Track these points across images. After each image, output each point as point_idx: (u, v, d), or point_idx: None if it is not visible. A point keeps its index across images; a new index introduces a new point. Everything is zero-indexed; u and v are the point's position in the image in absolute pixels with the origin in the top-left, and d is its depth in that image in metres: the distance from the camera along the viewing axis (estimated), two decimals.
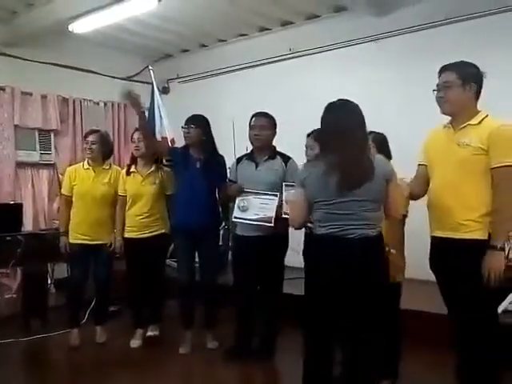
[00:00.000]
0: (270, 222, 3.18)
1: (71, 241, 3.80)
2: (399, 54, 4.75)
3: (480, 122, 2.29)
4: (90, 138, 3.83)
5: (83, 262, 3.81)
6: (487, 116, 2.32)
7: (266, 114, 3.43)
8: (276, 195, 3.19)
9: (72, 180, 3.85)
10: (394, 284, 2.67)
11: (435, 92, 2.42)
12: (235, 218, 3.35)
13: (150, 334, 3.83)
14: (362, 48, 4.98)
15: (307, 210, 2.35)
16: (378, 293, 2.28)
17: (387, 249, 2.55)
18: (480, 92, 2.36)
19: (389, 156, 2.96)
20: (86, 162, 3.89)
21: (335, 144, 2.28)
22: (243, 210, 3.30)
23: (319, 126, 3.12)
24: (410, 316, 3.09)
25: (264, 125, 3.37)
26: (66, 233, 3.82)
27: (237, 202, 3.33)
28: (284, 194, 3.17)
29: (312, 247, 2.38)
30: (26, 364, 3.74)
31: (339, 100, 2.42)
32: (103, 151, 3.86)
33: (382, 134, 3.03)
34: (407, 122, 4.49)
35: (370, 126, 3.01)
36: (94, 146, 3.81)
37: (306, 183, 2.32)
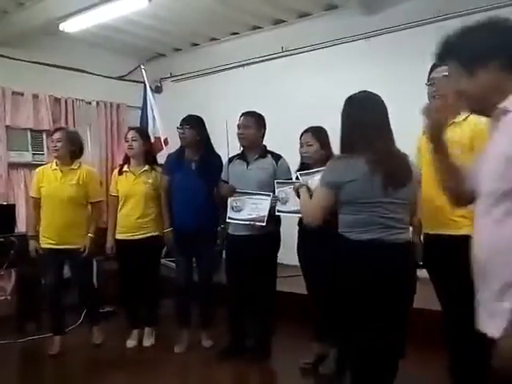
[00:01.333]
0: (263, 222, 3.19)
1: (41, 245, 3.63)
2: (389, 51, 4.76)
3: (465, 119, 2.31)
4: (56, 136, 3.65)
5: (55, 267, 3.64)
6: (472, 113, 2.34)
7: (251, 113, 3.41)
8: (269, 195, 3.20)
9: (40, 181, 3.66)
10: None
11: (427, 86, 2.44)
12: (229, 218, 3.35)
13: (146, 344, 3.78)
14: (353, 46, 4.99)
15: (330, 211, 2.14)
16: (412, 302, 2.18)
17: None
18: None
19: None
20: (54, 162, 3.71)
21: (373, 140, 2.07)
22: (236, 210, 3.30)
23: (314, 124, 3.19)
24: None
25: (248, 124, 3.36)
26: (35, 236, 3.64)
27: (229, 202, 3.33)
28: (280, 190, 3.15)
29: (348, 255, 2.07)
30: (20, 366, 3.73)
31: (362, 92, 2.27)
32: (71, 150, 3.66)
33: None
34: (397, 120, 4.51)
35: None
36: (59, 144, 3.61)
37: (346, 183, 2.03)
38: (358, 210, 2.04)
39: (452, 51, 1.47)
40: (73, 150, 3.68)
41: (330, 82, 5.05)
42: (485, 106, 1.38)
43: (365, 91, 2.27)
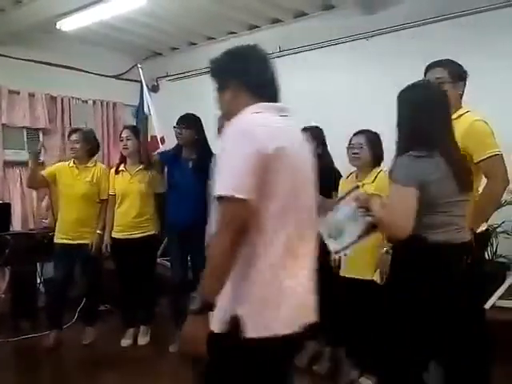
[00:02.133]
0: None
1: (55, 241, 3.76)
2: (389, 51, 4.76)
3: (459, 117, 2.33)
4: (73, 137, 3.80)
5: (66, 263, 3.75)
6: (467, 112, 2.37)
7: None
8: None
9: (57, 172, 3.80)
10: None
11: None
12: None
13: (141, 343, 3.79)
14: (351, 46, 4.99)
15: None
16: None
17: (385, 249, 2.53)
18: (464, 91, 2.42)
19: (381, 156, 2.97)
20: (72, 160, 3.86)
21: (445, 136, 1.98)
22: None
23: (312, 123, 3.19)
24: None
25: None
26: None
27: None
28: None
29: (424, 257, 1.92)
30: (14, 364, 3.71)
31: (423, 81, 2.19)
32: (87, 149, 3.82)
33: (376, 133, 3.03)
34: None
35: (360, 125, 3.04)
36: (77, 145, 3.77)
37: (431, 182, 1.89)
38: (437, 210, 1.91)
39: (213, 71, 1.85)
40: (89, 148, 3.85)
41: (326, 83, 5.05)
42: (230, 115, 1.63)
43: (425, 79, 2.20)
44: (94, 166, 3.85)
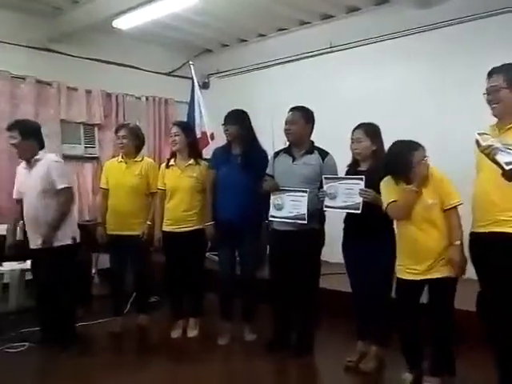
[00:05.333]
0: (304, 220, 3.18)
1: (107, 232, 3.92)
2: (443, 46, 4.63)
3: None
4: (121, 133, 3.92)
5: (119, 253, 3.91)
6: None
7: (299, 108, 3.39)
8: (305, 191, 3.17)
9: (108, 173, 3.98)
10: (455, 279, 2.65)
11: (485, 95, 2.42)
12: (271, 216, 3.35)
13: (190, 335, 3.84)
14: (404, 41, 4.88)
15: None
16: None
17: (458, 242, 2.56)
18: None
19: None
20: (120, 155, 4.00)
21: None
22: (278, 208, 3.30)
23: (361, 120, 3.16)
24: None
25: (294, 119, 3.34)
26: (103, 224, 3.93)
27: (271, 200, 3.33)
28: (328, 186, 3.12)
29: None
30: (70, 350, 3.86)
31: None
32: (135, 144, 3.94)
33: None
34: (447, 116, 4.41)
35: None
36: (125, 141, 3.90)
37: None
38: None
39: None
40: (136, 143, 3.96)
41: (378, 78, 4.97)
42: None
43: None
44: (142, 160, 3.98)
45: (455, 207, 2.62)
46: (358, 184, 2.95)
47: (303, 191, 3.20)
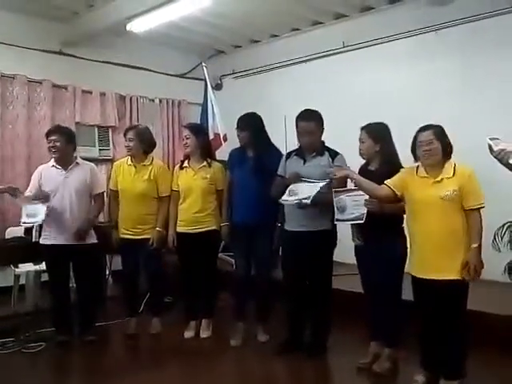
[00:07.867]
0: (308, 199, 3.11)
1: (120, 235, 3.89)
2: (460, 44, 4.57)
3: None
4: (128, 136, 3.86)
5: (132, 256, 3.88)
6: None
7: (309, 117, 3.32)
8: (324, 181, 3.11)
9: (117, 174, 3.93)
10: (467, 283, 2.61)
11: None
12: (282, 200, 3.29)
13: (203, 336, 3.85)
14: (419, 39, 4.83)
15: None
16: None
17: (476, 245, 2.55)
18: None
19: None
20: (128, 158, 3.94)
21: None
22: (292, 194, 3.26)
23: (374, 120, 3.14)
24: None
25: (309, 130, 3.30)
26: (116, 227, 3.91)
27: (289, 188, 3.28)
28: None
29: None
30: (85, 350, 3.91)
31: None
32: (143, 147, 3.87)
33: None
34: (464, 116, 4.34)
35: (426, 120, 2.94)
36: (131, 144, 3.83)
37: None
38: None
39: None
40: (144, 146, 3.89)
41: (392, 77, 4.93)
42: None
43: None
44: (151, 163, 3.90)
45: (478, 209, 2.58)
46: (362, 195, 2.95)
47: (324, 180, 3.13)
